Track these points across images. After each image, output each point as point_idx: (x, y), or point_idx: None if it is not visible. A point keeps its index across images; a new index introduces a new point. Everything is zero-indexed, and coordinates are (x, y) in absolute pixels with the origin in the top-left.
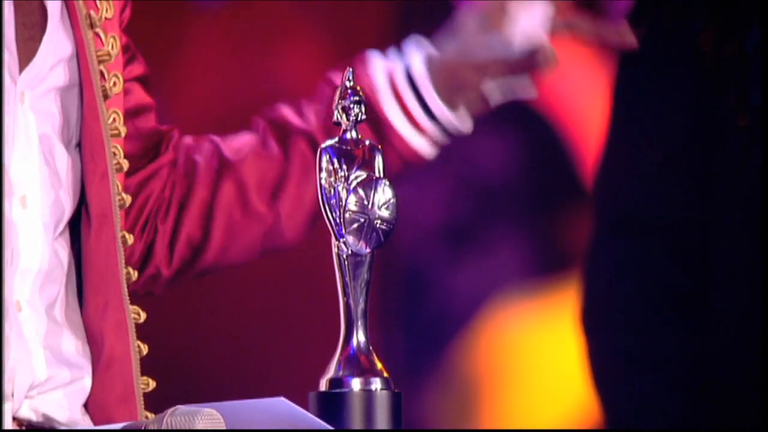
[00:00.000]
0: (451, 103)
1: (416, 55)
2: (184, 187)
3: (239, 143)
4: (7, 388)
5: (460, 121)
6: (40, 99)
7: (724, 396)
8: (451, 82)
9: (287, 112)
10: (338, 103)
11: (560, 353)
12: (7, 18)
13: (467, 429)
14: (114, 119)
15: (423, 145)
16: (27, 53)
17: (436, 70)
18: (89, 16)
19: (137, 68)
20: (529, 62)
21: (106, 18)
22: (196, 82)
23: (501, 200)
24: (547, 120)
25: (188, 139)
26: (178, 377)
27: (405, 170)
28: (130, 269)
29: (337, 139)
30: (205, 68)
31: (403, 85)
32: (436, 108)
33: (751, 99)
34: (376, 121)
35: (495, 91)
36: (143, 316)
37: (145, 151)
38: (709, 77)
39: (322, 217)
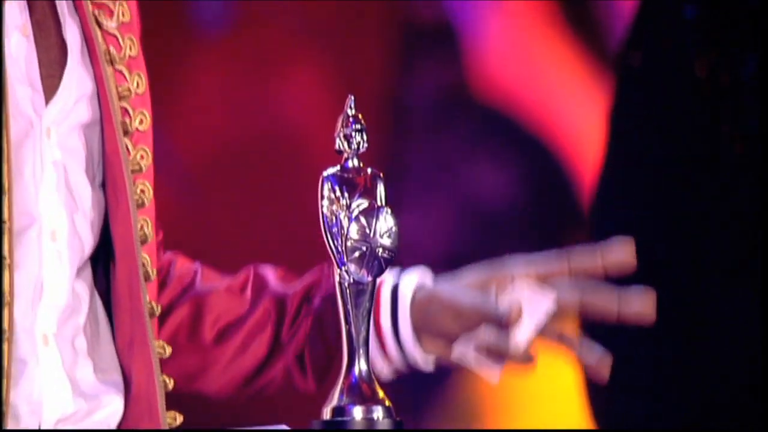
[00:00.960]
0: (420, 338)
1: (410, 278)
2: None
3: (217, 276)
4: (33, 421)
5: (423, 360)
6: (66, 135)
7: (723, 426)
8: (426, 318)
9: (271, 272)
10: (340, 131)
11: (559, 382)
12: (29, 55)
13: (466, 429)
14: (142, 156)
15: (382, 368)
16: (49, 90)
17: (419, 299)
18: (108, 52)
19: None
20: (502, 323)
21: (130, 56)
22: (198, 109)
23: (502, 228)
24: (547, 147)
25: (169, 254)
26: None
27: None
28: (153, 304)
29: (338, 167)
30: (207, 95)
31: (384, 305)
32: (405, 337)
33: (747, 126)
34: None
35: (464, 351)
36: (168, 350)
37: None
38: (706, 105)
39: (260, 380)
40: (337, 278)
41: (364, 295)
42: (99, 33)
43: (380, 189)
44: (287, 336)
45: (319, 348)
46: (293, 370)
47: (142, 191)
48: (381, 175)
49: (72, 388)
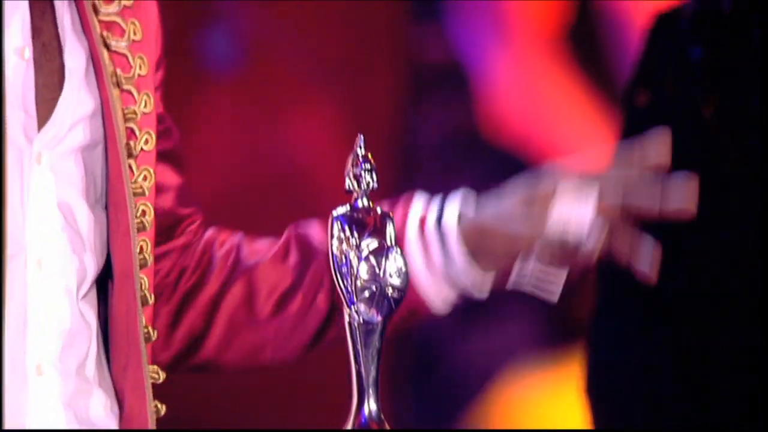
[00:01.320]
0: (473, 267)
1: (452, 208)
2: (194, 278)
3: (261, 246)
4: None
5: (478, 288)
6: (61, 160)
7: (723, 426)
8: (478, 246)
9: (316, 229)
10: (350, 171)
11: (567, 423)
12: (27, 79)
13: (466, 429)
14: (145, 177)
15: (436, 303)
16: (47, 114)
17: (467, 229)
18: (115, 74)
19: (166, 143)
20: (561, 251)
21: (139, 75)
22: (208, 149)
23: None
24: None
25: (211, 231)
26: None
27: (409, 320)
28: (150, 329)
29: (348, 206)
30: (217, 135)
31: (432, 239)
32: (459, 269)
33: (753, 165)
34: None
35: (521, 274)
36: (162, 376)
37: (158, 230)
38: (711, 144)
39: (324, 340)
40: (346, 318)
41: (374, 334)
42: (106, 54)
43: (390, 229)
44: None
45: None
46: None
47: (143, 212)
48: (391, 214)
49: (70, 417)
